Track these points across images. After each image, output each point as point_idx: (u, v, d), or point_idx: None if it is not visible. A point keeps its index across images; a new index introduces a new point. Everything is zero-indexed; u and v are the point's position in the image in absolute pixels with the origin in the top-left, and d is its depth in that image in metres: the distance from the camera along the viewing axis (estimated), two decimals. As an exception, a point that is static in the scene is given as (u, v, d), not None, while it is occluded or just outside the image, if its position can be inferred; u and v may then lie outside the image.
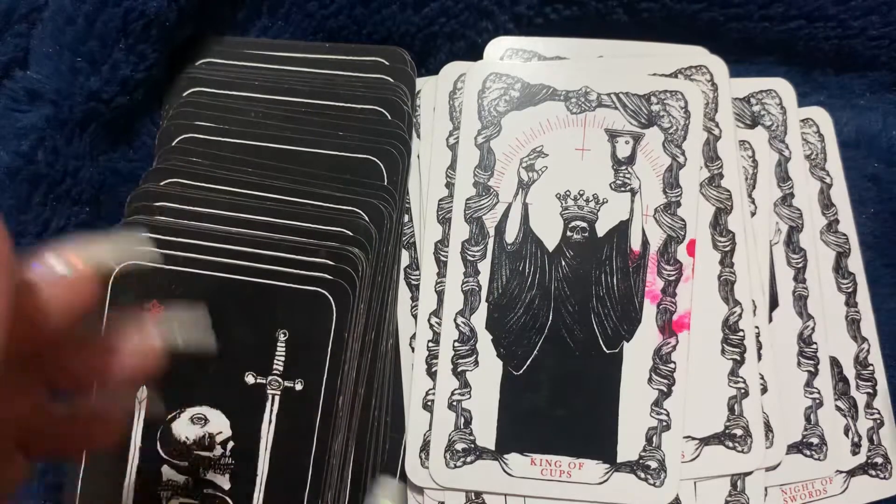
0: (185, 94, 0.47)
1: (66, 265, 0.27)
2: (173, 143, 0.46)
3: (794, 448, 0.45)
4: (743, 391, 0.44)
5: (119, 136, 0.47)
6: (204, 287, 0.42)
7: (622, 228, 0.46)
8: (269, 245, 0.42)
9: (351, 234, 0.43)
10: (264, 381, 0.42)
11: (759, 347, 0.45)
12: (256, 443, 0.42)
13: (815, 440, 0.46)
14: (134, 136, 0.47)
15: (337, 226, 0.43)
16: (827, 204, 0.49)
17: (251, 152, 0.45)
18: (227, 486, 0.42)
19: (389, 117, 0.46)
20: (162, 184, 0.44)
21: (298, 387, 0.42)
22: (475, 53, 0.50)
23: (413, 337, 0.45)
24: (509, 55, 0.49)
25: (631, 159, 0.46)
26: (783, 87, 0.49)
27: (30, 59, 0.44)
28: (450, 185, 0.46)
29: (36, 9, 0.44)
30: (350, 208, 0.44)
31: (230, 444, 0.42)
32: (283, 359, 0.42)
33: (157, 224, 0.43)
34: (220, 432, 0.42)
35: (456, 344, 0.45)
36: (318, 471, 0.41)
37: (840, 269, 0.48)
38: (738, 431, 0.44)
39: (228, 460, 0.42)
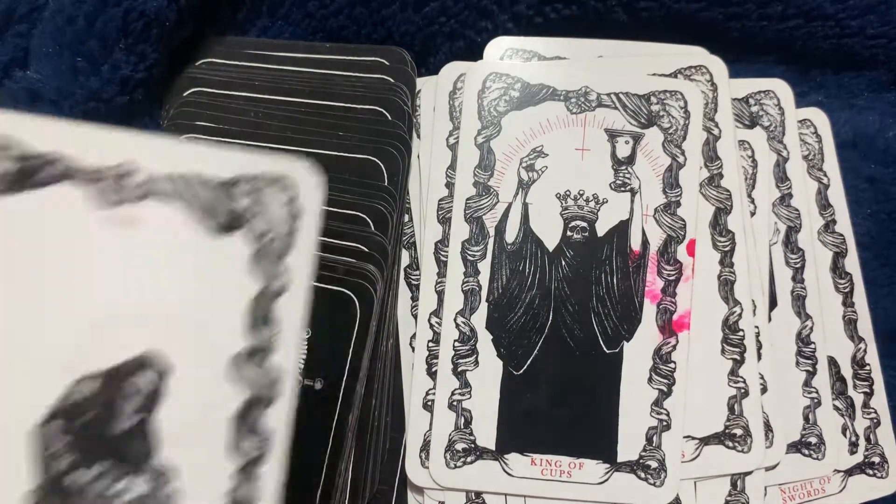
0: (185, 94, 0.47)
1: None
2: (173, 143, 0.46)
3: (793, 447, 0.46)
4: (743, 391, 0.44)
5: (119, 136, 0.46)
6: None
7: (622, 228, 0.46)
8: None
9: (367, 250, 0.43)
10: None
11: (759, 347, 0.45)
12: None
13: (813, 440, 0.46)
14: (134, 136, 0.47)
15: (350, 241, 0.43)
16: (824, 204, 0.49)
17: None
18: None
19: (389, 117, 0.46)
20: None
21: (318, 386, 0.42)
22: (475, 53, 0.50)
23: (413, 337, 0.46)
24: (509, 55, 0.49)
25: (631, 159, 0.46)
26: (781, 88, 0.49)
27: (30, 59, 0.44)
28: (450, 185, 0.47)
29: (36, 9, 0.44)
30: (360, 215, 0.44)
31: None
32: (303, 357, 0.42)
33: None
34: None
35: (456, 344, 0.45)
36: (332, 471, 0.41)
37: (837, 269, 0.49)
38: (738, 431, 0.44)
39: None
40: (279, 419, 0.31)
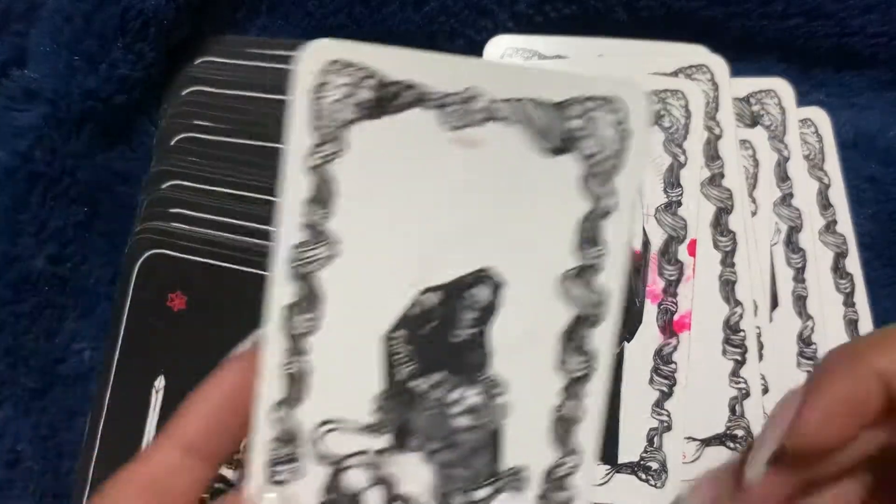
0: (183, 92, 0.47)
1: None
2: (172, 143, 0.45)
3: (794, 448, 0.46)
4: (744, 391, 0.44)
5: (117, 136, 0.46)
6: (228, 279, 0.42)
7: (623, 228, 0.46)
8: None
9: None
10: None
11: (761, 348, 0.45)
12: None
13: (814, 440, 0.46)
14: (132, 136, 0.47)
15: None
16: (825, 204, 0.49)
17: (250, 152, 0.45)
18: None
19: (389, 116, 0.46)
20: (165, 186, 0.44)
21: None
22: (475, 52, 0.49)
23: (413, 337, 0.45)
24: (509, 54, 0.49)
25: (631, 159, 0.46)
26: (782, 88, 0.49)
27: (27, 58, 0.44)
28: (450, 185, 0.46)
29: (34, 7, 0.44)
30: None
31: (242, 441, 0.42)
32: None
33: (173, 231, 0.43)
34: None
35: (456, 344, 0.44)
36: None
37: (838, 269, 0.49)
38: (740, 432, 0.44)
39: (241, 455, 0.42)
40: (605, 339, 0.32)
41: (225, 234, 0.43)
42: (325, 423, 0.32)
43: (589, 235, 0.32)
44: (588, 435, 0.32)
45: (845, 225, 0.49)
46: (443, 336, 0.33)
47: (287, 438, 0.32)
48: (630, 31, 0.49)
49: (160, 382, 0.42)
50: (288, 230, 0.32)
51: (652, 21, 0.50)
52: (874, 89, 0.54)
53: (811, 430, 0.29)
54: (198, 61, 0.48)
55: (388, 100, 0.32)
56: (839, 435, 0.29)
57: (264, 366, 0.32)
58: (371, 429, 0.32)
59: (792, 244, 0.48)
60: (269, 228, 0.43)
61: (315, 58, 0.33)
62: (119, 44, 0.43)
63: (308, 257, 0.32)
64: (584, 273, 0.32)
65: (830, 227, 0.49)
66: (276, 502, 0.32)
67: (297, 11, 0.49)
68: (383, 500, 0.32)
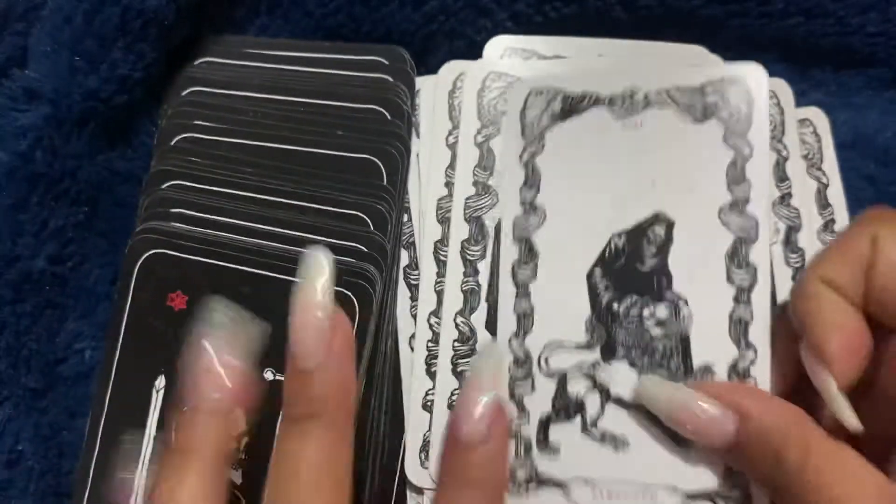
0: (183, 93, 0.47)
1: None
2: (172, 143, 0.45)
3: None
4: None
5: (117, 136, 0.46)
6: (228, 279, 0.42)
7: (622, 228, 0.46)
8: (287, 260, 0.42)
9: (366, 250, 0.43)
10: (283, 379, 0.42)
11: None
12: (272, 440, 0.41)
13: (812, 439, 0.46)
14: (133, 136, 0.47)
15: (349, 241, 0.43)
16: (824, 204, 0.49)
17: (250, 152, 0.45)
18: (238, 481, 0.42)
19: (389, 117, 0.46)
20: (165, 186, 0.44)
21: None
22: (474, 52, 0.49)
23: (412, 337, 0.45)
24: (508, 54, 0.49)
25: (631, 159, 0.47)
26: (781, 88, 0.49)
27: (28, 58, 0.44)
28: (449, 185, 0.46)
29: (34, 7, 0.44)
30: (359, 215, 0.44)
31: (244, 440, 0.42)
32: None
33: (174, 231, 0.43)
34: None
35: (456, 344, 0.45)
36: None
37: (837, 268, 0.49)
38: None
39: (242, 456, 0.42)
40: (761, 254, 0.42)
41: (225, 234, 0.43)
42: (548, 345, 0.42)
43: (736, 175, 0.43)
44: (760, 332, 0.41)
45: (844, 224, 0.49)
46: (632, 267, 0.42)
47: (522, 361, 0.42)
48: (629, 31, 0.49)
49: (161, 382, 0.42)
50: (511, 207, 0.44)
51: (651, 20, 0.50)
52: (873, 88, 0.54)
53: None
54: (198, 61, 0.48)
55: (572, 107, 0.45)
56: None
57: (500, 308, 0.43)
58: (584, 346, 0.42)
59: (791, 244, 0.48)
60: (270, 228, 0.43)
61: (522, 89, 0.46)
62: (119, 44, 0.43)
63: (525, 225, 0.44)
64: (736, 205, 0.43)
65: (829, 226, 0.49)
66: None
67: (297, 11, 0.49)
68: (600, 401, 0.41)
